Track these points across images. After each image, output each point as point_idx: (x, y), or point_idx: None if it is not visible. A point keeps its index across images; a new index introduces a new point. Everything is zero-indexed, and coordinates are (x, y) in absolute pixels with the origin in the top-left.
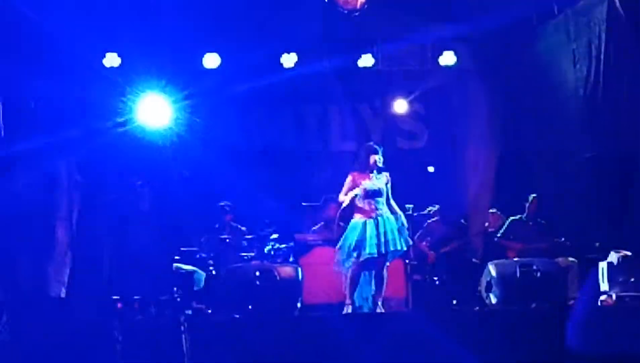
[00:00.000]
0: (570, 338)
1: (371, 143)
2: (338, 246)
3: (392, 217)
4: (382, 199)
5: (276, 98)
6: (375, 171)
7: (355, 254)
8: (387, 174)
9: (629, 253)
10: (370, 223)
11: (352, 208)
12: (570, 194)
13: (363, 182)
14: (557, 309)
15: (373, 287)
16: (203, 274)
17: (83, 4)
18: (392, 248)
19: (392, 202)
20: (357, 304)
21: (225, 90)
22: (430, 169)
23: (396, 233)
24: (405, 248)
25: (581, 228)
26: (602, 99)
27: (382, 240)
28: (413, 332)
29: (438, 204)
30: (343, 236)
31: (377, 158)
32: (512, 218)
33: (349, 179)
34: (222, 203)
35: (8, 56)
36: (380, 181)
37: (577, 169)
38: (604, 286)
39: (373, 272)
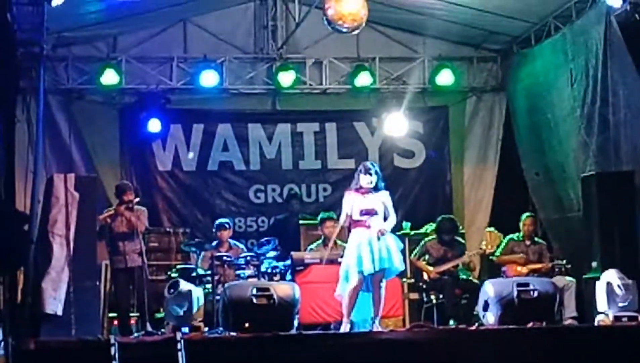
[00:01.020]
0: None
1: (366, 162)
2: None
3: (390, 236)
4: (379, 218)
5: (273, 115)
6: (371, 190)
7: (354, 273)
8: (386, 193)
9: (626, 278)
10: (366, 242)
11: (349, 226)
12: (567, 213)
13: (359, 201)
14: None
15: (371, 307)
16: (200, 291)
17: None
18: (387, 266)
19: (391, 221)
20: (355, 323)
21: (222, 107)
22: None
23: (392, 252)
24: (401, 269)
25: (578, 248)
26: (599, 119)
27: (378, 257)
28: (410, 351)
29: (435, 223)
30: (342, 257)
31: (371, 178)
32: (509, 237)
33: (345, 198)
34: (221, 221)
35: None
36: (376, 199)
37: (575, 188)
38: (602, 306)
39: (371, 292)
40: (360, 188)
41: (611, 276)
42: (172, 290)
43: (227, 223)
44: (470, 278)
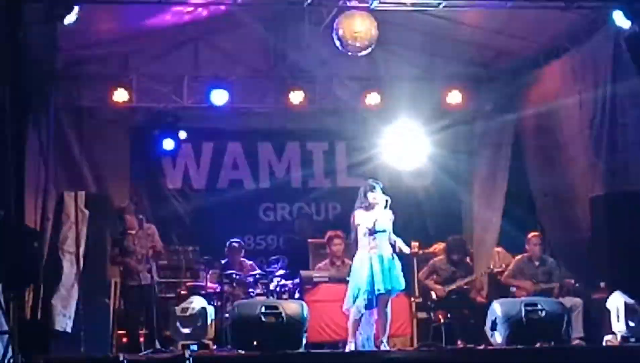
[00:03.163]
0: None
1: (370, 180)
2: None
3: (393, 255)
4: (386, 236)
5: (283, 134)
6: (380, 207)
7: (363, 292)
8: (390, 212)
9: (631, 301)
10: (374, 260)
11: (355, 245)
12: (576, 234)
13: (367, 219)
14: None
15: (373, 326)
16: (210, 309)
17: None
18: (395, 285)
19: (401, 242)
20: (360, 342)
21: (232, 125)
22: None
23: (397, 270)
24: (403, 287)
25: (586, 268)
26: (608, 140)
27: (387, 276)
28: None
29: (443, 242)
30: (350, 276)
31: (376, 194)
32: (518, 257)
33: (353, 216)
34: (233, 240)
35: None
36: (383, 217)
37: (583, 209)
38: (615, 326)
39: (375, 310)
40: (368, 205)
41: (619, 297)
42: (181, 308)
43: (238, 241)
44: (478, 297)
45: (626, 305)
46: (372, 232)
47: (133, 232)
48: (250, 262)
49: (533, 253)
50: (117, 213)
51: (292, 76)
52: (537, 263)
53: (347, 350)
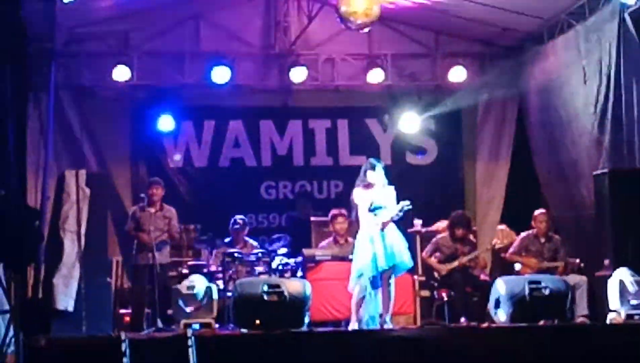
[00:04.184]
0: None
1: (371, 158)
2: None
3: (397, 232)
4: (387, 214)
5: (285, 112)
6: (379, 186)
7: (368, 271)
8: (392, 188)
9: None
10: (376, 238)
11: (357, 223)
12: (580, 211)
13: (367, 197)
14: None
15: (380, 304)
16: (213, 287)
17: None
18: (398, 261)
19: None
20: (364, 321)
21: (234, 103)
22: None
23: (401, 248)
24: (410, 265)
25: (590, 245)
26: (613, 116)
27: (389, 252)
28: (421, 349)
29: (446, 220)
30: (353, 254)
31: (376, 174)
32: (523, 234)
33: (353, 194)
34: (237, 217)
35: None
36: (384, 195)
37: (587, 186)
38: (614, 304)
39: (379, 289)
40: (368, 184)
41: (623, 274)
42: (183, 287)
43: (243, 219)
44: (482, 275)
45: (629, 281)
46: (371, 211)
47: (152, 211)
48: (256, 243)
49: (539, 230)
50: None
51: (294, 54)
52: (542, 240)
53: (350, 328)
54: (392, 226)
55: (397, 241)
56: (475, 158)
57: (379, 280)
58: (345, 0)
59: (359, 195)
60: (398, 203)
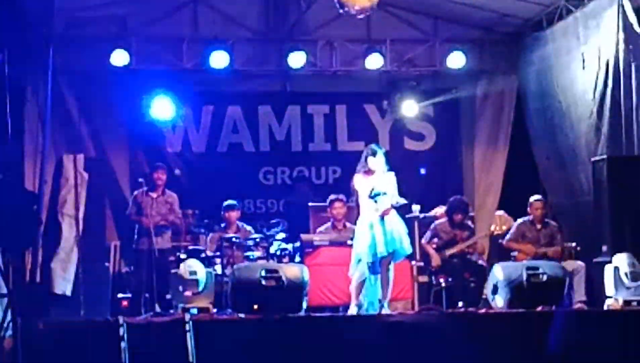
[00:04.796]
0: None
1: (371, 144)
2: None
3: (397, 218)
4: (388, 199)
5: (283, 97)
6: (379, 172)
7: (366, 257)
8: (392, 173)
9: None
10: (376, 224)
11: (357, 208)
12: (578, 197)
13: (368, 183)
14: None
15: (380, 289)
16: (210, 272)
17: None
18: (397, 247)
19: (396, 201)
20: (364, 306)
21: (232, 88)
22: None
23: (401, 234)
24: (409, 251)
25: (588, 231)
26: (611, 103)
27: (389, 239)
28: (419, 334)
29: (444, 206)
30: (353, 240)
31: (376, 160)
32: (520, 220)
33: (354, 180)
34: (228, 202)
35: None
36: (384, 181)
37: (585, 172)
38: (610, 290)
39: (379, 274)
40: (368, 170)
41: (621, 260)
42: (181, 271)
43: (235, 204)
44: (479, 261)
45: (626, 269)
46: (371, 197)
47: (154, 196)
48: (249, 227)
49: (535, 216)
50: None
51: (292, 38)
52: (539, 226)
53: (349, 313)
54: (392, 212)
55: (397, 226)
56: (474, 144)
57: (378, 265)
58: None
59: (359, 181)
60: (399, 189)
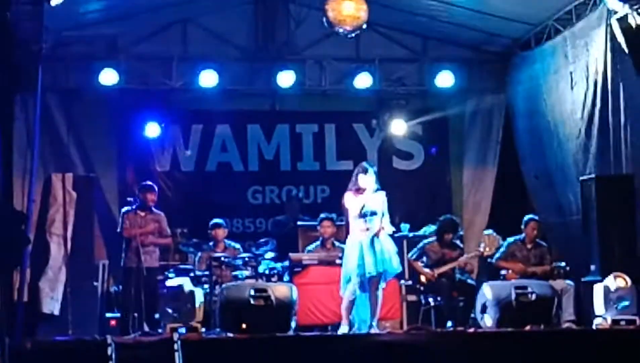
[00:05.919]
0: None
1: (363, 163)
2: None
3: (386, 238)
4: (377, 219)
5: (272, 116)
6: (370, 190)
7: (355, 277)
8: (383, 193)
9: (626, 277)
10: (365, 243)
11: (347, 227)
12: (566, 216)
13: (358, 202)
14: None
15: (369, 309)
16: (199, 292)
17: None
18: (387, 266)
19: (387, 222)
20: (355, 325)
21: (221, 107)
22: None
23: (390, 253)
24: (399, 270)
25: (577, 251)
26: (600, 122)
27: (379, 258)
28: (408, 354)
29: (433, 225)
30: (343, 259)
31: (367, 178)
32: (510, 240)
33: (344, 199)
34: (215, 220)
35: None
36: (374, 200)
37: (574, 191)
38: (600, 309)
39: (369, 293)
40: (359, 188)
41: (610, 280)
42: (170, 291)
43: (222, 222)
44: (468, 280)
45: (618, 287)
46: (361, 216)
47: (142, 214)
48: (238, 246)
49: (528, 236)
50: (143, 188)
51: (281, 58)
52: (529, 246)
53: (339, 332)
54: (382, 232)
55: (386, 245)
56: (462, 163)
57: (367, 284)
58: (333, 6)
59: (349, 200)
60: (389, 208)
